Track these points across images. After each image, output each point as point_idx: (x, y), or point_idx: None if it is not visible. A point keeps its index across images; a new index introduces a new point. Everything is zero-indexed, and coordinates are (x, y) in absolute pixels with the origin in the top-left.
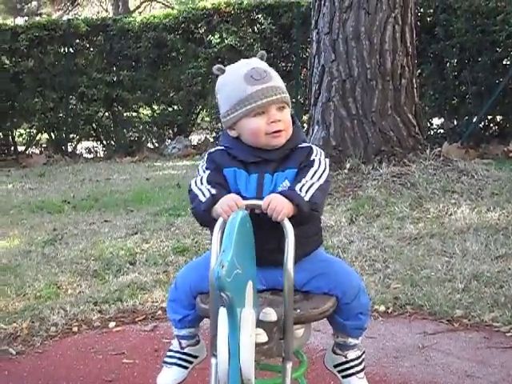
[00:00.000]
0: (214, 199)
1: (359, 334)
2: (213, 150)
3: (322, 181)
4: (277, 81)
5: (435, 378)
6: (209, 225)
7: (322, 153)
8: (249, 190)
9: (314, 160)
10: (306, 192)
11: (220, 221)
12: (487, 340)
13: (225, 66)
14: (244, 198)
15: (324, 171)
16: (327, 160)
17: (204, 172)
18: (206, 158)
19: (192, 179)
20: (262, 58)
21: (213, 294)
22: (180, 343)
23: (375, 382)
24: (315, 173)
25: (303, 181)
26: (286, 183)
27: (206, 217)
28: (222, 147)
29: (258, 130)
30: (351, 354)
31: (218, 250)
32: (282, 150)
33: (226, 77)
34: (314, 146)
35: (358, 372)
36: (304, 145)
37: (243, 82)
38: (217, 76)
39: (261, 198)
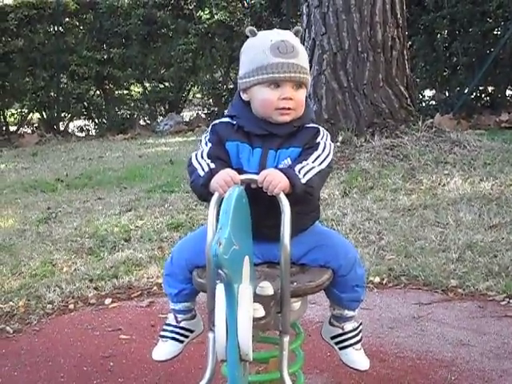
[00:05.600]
0: (212, 174)
1: (356, 306)
2: (217, 121)
3: (323, 165)
4: (301, 59)
5: (430, 348)
6: (207, 199)
7: (329, 136)
8: (251, 165)
9: (319, 143)
10: (304, 175)
11: (215, 196)
12: (482, 309)
13: (215, 41)
14: (243, 172)
15: (327, 156)
16: (332, 145)
17: (206, 145)
18: (209, 130)
19: (193, 152)
20: (296, 34)
21: (210, 271)
22: (176, 317)
23: (371, 353)
24: (318, 157)
25: (304, 163)
26: (288, 161)
27: (203, 191)
28: (228, 118)
29: (268, 102)
30: (348, 326)
31: (215, 226)
32: (289, 127)
33: (254, 41)
34: (321, 128)
35: (354, 343)
36: (312, 125)
37: (268, 50)
38: (247, 37)
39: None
